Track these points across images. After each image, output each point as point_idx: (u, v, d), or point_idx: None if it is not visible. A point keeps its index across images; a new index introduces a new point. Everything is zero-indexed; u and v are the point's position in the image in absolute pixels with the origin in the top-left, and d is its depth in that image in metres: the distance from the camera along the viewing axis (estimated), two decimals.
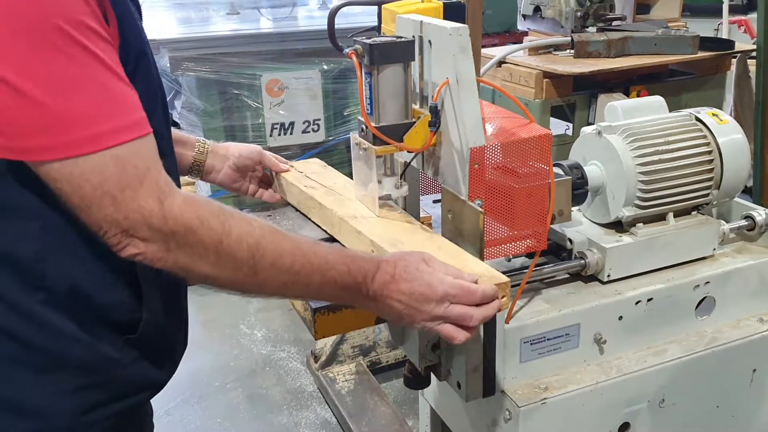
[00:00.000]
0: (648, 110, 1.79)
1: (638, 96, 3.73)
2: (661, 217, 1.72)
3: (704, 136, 1.73)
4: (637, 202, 1.65)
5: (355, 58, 1.36)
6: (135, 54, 1.06)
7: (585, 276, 1.67)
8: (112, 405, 1.14)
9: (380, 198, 1.47)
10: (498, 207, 1.43)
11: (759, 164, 3.91)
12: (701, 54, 3.78)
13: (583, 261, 1.64)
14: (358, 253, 1.26)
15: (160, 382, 1.24)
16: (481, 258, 1.35)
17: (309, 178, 1.71)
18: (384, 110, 1.40)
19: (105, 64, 0.96)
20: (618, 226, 1.71)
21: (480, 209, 1.35)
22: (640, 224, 1.69)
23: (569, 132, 3.85)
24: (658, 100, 1.83)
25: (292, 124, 4.09)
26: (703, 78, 3.96)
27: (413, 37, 1.42)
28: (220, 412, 3.08)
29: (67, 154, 0.94)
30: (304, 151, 4.10)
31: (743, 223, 1.82)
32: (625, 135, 1.66)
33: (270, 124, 4.05)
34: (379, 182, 1.47)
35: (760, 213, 1.81)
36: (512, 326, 1.52)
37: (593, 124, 3.75)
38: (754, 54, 3.95)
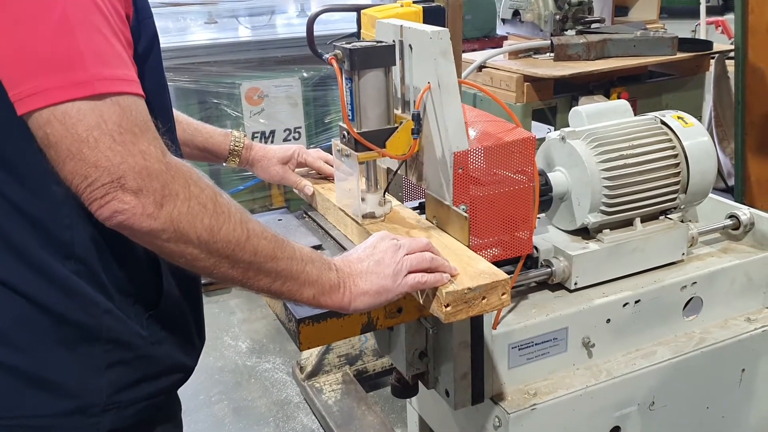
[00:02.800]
0: (613, 114, 1.77)
1: (619, 97, 3.73)
2: (628, 223, 1.68)
3: (669, 140, 1.70)
4: (603, 208, 1.62)
5: (335, 64, 1.34)
6: (149, 34, 1.06)
7: (552, 284, 1.63)
8: (144, 385, 1.12)
9: (363, 216, 1.45)
10: (483, 211, 1.41)
11: (740, 163, 3.94)
12: (680, 55, 3.80)
13: (549, 269, 1.60)
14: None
15: (187, 367, 1.23)
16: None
17: (326, 180, 1.70)
18: (366, 116, 1.38)
19: (109, 23, 0.94)
20: (584, 232, 1.68)
21: (465, 214, 1.33)
22: (607, 230, 1.65)
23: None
24: (623, 104, 1.82)
25: (272, 132, 4.06)
26: (683, 79, 3.98)
27: (394, 41, 1.40)
28: (206, 426, 3.03)
29: (65, 97, 0.89)
30: None
31: (728, 222, 1.82)
32: (590, 140, 1.64)
33: (251, 133, 4.02)
34: (363, 200, 1.44)
35: (744, 212, 1.81)
36: (500, 332, 1.50)
37: None
38: (732, 54, 4.00)
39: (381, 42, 1.38)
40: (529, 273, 1.60)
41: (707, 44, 4.00)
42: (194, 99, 3.96)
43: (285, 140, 4.08)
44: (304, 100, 4.07)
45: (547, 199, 1.63)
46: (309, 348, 1.27)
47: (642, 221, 1.68)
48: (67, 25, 0.90)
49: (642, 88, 3.85)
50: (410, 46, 1.38)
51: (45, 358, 1.05)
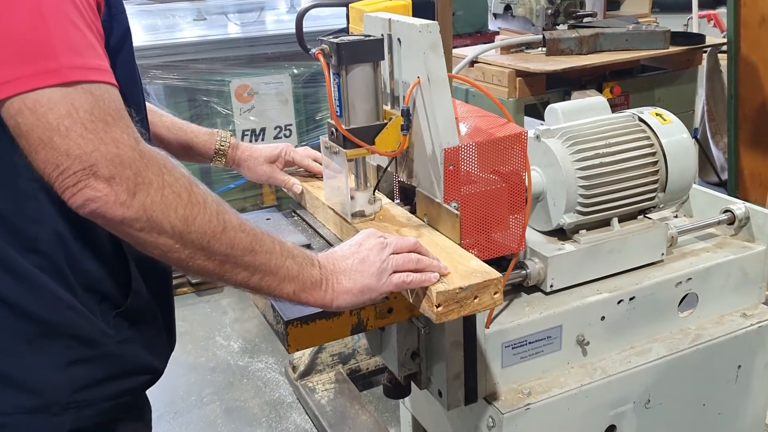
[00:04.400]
0: (589, 112, 1.72)
1: (612, 92, 3.72)
2: (605, 223, 1.64)
3: (647, 137, 1.66)
4: (579, 208, 1.57)
5: (322, 59, 1.31)
6: (121, 28, 1.04)
7: (527, 287, 1.59)
8: (108, 385, 1.10)
9: (353, 215, 1.42)
10: (474, 206, 1.38)
11: (733, 157, 3.93)
12: (672, 49, 3.78)
13: (523, 271, 1.56)
14: None
15: (156, 369, 1.20)
16: None
17: (317, 178, 1.66)
18: (354, 112, 1.35)
19: (82, 14, 0.93)
20: (561, 233, 1.63)
21: (456, 212, 1.30)
22: (583, 231, 1.60)
23: None
24: (600, 101, 1.77)
25: (263, 130, 4.03)
26: (675, 73, 3.96)
27: (382, 35, 1.37)
28: (198, 427, 3.00)
29: (35, 85, 0.88)
30: None
31: (723, 217, 1.79)
32: (565, 138, 1.59)
33: (241, 131, 3.98)
34: (352, 198, 1.41)
35: (739, 207, 1.79)
36: (493, 331, 1.48)
37: None
38: (724, 48, 3.98)
39: (369, 36, 1.35)
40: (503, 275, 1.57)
41: (700, 38, 3.98)
42: (183, 97, 3.92)
43: (275, 138, 4.05)
44: (294, 97, 4.03)
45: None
46: (297, 350, 1.25)
47: (620, 221, 1.64)
48: (40, 15, 0.89)
49: (634, 82, 3.82)
50: (399, 39, 1.35)
51: (5, 353, 1.03)
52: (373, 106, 1.36)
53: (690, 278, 1.67)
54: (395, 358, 1.51)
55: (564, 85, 3.68)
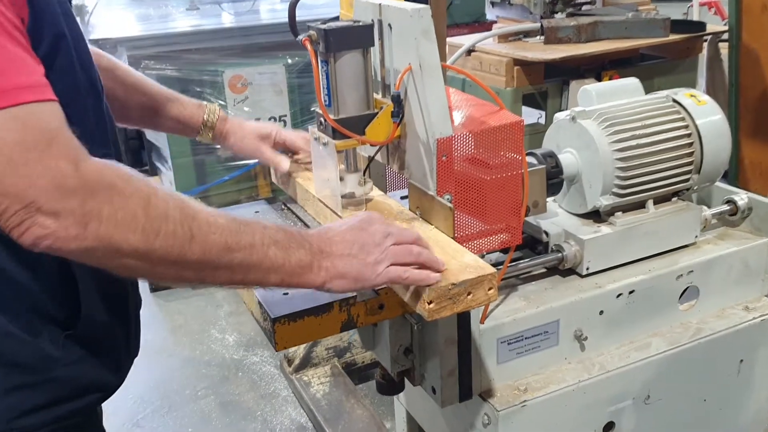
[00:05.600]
0: (623, 93, 1.71)
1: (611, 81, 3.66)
2: (640, 205, 1.64)
3: (682, 119, 1.65)
4: (615, 190, 1.57)
5: (309, 46, 1.26)
6: (51, 35, 0.96)
7: (563, 270, 1.58)
8: (53, 408, 1.05)
9: (343, 196, 1.37)
10: (469, 200, 1.34)
11: (734, 147, 3.88)
12: (672, 37, 3.73)
13: (560, 254, 1.56)
14: None
15: (109, 385, 1.14)
16: None
17: (307, 169, 1.59)
18: (343, 101, 1.30)
19: (3, 28, 0.85)
20: (596, 216, 1.63)
21: (450, 204, 1.26)
22: (619, 213, 1.61)
23: (542, 120, 3.78)
24: (634, 82, 1.76)
25: (257, 121, 3.96)
26: (675, 62, 3.91)
27: (372, 20, 1.32)
28: (192, 421, 2.97)
29: None
30: None
31: (725, 207, 1.75)
32: (601, 120, 1.58)
33: None
34: (341, 179, 1.37)
35: (741, 197, 1.74)
36: (488, 326, 1.44)
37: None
38: (725, 36, 3.93)
39: (358, 21, 1.30)
40: (539, 258, 1.55)
41: (700, 25, 3.93)
42: (176, 87, 3.83)
43: None
44: (288, 88, 3.98)
45: (557, 182, 1.58)
46: (285, 348, 1.21)
47: (654, 203, 1.63)
48: None
49: (634, 71, 3.75)
50: (390, 25, 1.30)
51: None
52: (363, 94, 1.31)
53: (691, 271, 1.62)
54: (388, 355, 1.46)
55: (562, 74, 3.63)
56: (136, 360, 1.25)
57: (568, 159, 1.60)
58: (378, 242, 1.10)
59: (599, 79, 3.69)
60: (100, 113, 1.12)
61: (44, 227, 0.84)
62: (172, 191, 0.96)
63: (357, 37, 1.27)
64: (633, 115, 1.62)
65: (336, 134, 1.30)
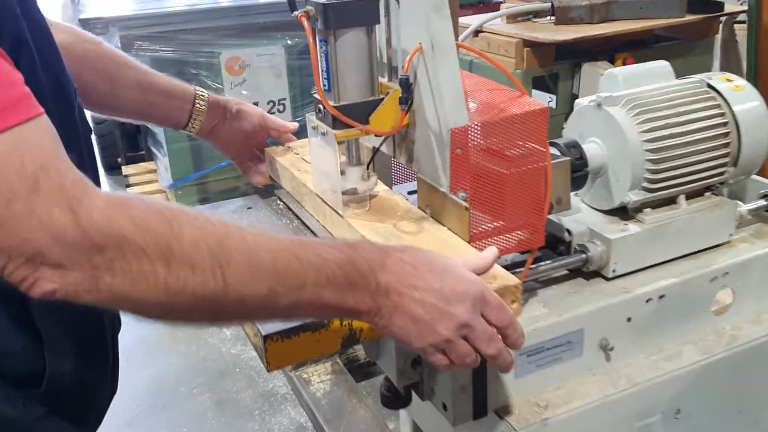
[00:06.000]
0: (652, 77, 1.56)
1: (624, 64, 3.50)
2: (670, 201, 1.49)
3: (718, 105, 1.50)
4: (645, 184, 1.43)
5: (306, 23, 1.10)
6: (9, 42, 0.81)
7: (587, 272, 1.44)
8: None
9: (344, 193, 1.23)
10: (485, 197, 1.19)
11: None
12: (689, 17, 3.56)
13: (584, 255, 1.41)
14: (358, 241, 1.02)
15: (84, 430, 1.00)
16: None
17: (304, 161, 1.47)
18: (344, 86, 1.16)
19: None
20: (622, 212, 1.49)
21: (465, 203, 1.11)
22: (648, 209, 1.46)
23: (552, 104, 3.62)
24: (663, 65, 1.60)
25: (255, 105, 3.80)
26: (691, 43, 3.76)
27: None
28: (187, 420, 2.85)
29: None
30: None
31: (762, 203, 1.60)
32: (630, 106, 1.43)
33: None
34: (342, 173, 1.22)
35: None
36: None
37: (578, 95, 3.55)
38: (741, 18, 3.76)
39: None
40: (562, 260, 1.40)
41: (718, 5, 3.76)
42: (171, 69, 3.70)
43: (269, 113, 3.82)
44: (288, 70, 3.82)
45: (582, 175, 1.43)
46: (278, 368, 1.06)
47: (686, 198, 1.49)
48: None
49: (647, 53, 3.61)
50: (397, 0, 1.15)
51: None
52: (366, 78, 1.17)
53: (727, 272, 1.48)
54: (394, 367, 1.32)
55: (574, 56, 3.48)
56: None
57: (592, 149, 1.45)
58: (473, 299, 0.91)
59: (612, 62, 3.54)
60: (71, 120, 0.97)
61: (52, 282, 0.72)
62: (202, 221, 0.80)
63: (360, 13, 1.12)
64: (665, 101, 1.46)
65: (336, 123, 1.15)
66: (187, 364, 3.16)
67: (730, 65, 4.46)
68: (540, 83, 3.51)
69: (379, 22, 1.15)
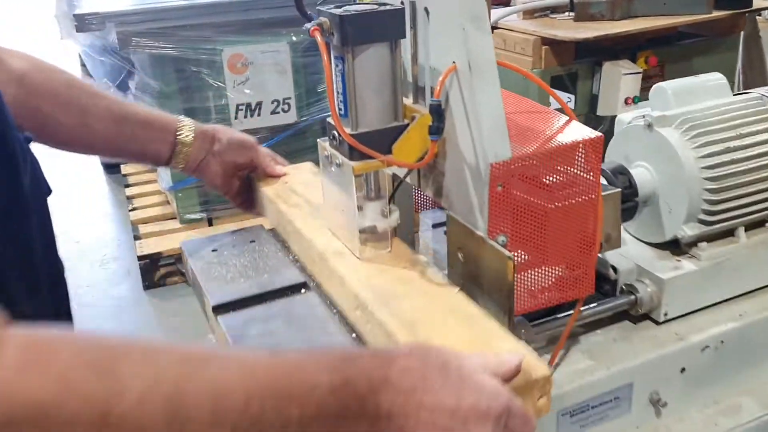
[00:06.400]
0: (706, 92, 1.38)
1: (647, 62, 3.32)
2: (727, 233, 1.32)
3: None
4: (702, 216, 1.26)
5: (319, 37, 0.93)
6: None
7: (634, 315, 1.27)
8: None
9: (362, 231, 1.06)
10: (524, 235, 1.02)
11: None
12: (716, 13, 3.37)
13: (633, 297, 1.24)
14: (355, 349, 0.83)
15: None
16: (510, 322, 0.95)
17: (294, 192, 1.28)
18: (364, 110, 0.98)
19: None
20: (673, 245, 1.32)
21: (508, 254, 0.94)
22: (703, 244, 1.29)
23: (571, 105, 3.44)
24: (718, 77, 1.42)
25: (259, 104, 3.64)
26: (716, 40, 3.57)
27: (402, 3, 0.99)
28: None
29: None
30: (274, 134, 3.66)
31: None
32: (685, 128, 1.26)
33: (235, 105, 3.60)
34: (360, 209, 1.05)
35: None
36: None
37: (597, 95, 3.37)
38: (764, 12, 3.57)
39: (385, 5, 0.97)
40: (607, 303, 1.24)
41: (746, 1, 3.56)
42: (171, 67, 3.53)
43: (273, 113, 3.66)
44: (293, 68, 3.63)
45: (631, 206, 1.26)
46: None
47: (745, 230, 1.33)
48: None
49: (671, 51, 3.43)
50: (426, 9, 0.98)
51: None
52: (389, 101, 0.99)
53: None
54: None
55: (594, 54, 3.29)
56: None
57: (641, 175, 1.28)
58: (496, 418, 0.72)
59: (634, 60, 3.35)
60: (16, 194, 0.81)
61: None
62: (153, 362, 0.62)
63: (383, 26, 0.95)
64: (724, 121, 1.29)
65: (354, 153, 0.98)
66: None
67: (752, 62, 4.27)
68: (558, 83, 3.33)
69: (404, 37, 0.97)
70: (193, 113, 3.59)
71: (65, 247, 4.16)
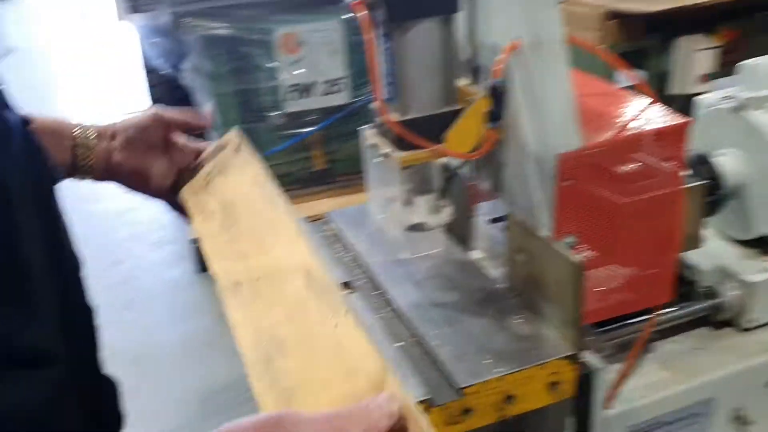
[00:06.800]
0: None
1: (725, 37, 3.10)
2: None
3: None
4: None
5: (362, 12, 0.83)
6: None
7: (714, 321, 1.14)
8: None
9: (409, 228, 0.95)
10: (593, 234, 0.90)
11: None
12: None
13: (714, 301, 1.11)
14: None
15: None
16: (578, 325, 0.83)
17: (212, 194, 0.95)
18: (413, 94, 0.88)
19: None
20: (762, 243, 1.17)
21: (577, 258, 0.82)
22: None
23: None
24: None
25: (312, 84, 3.55)
26: None
27: None
28: None
29: None
30: (327, 116, 3.58)
31: None
32: None
33: (287, 86, 3.52)
34: (408, 204, 0.95)
35: None
36: (616, 412, 1.01)
37: (670, 74, 3.17)
38: None
39: None
40: (686, 308, 1.11)
41: None
42: (222, 48, 3.48)
43: (326, 94, 3.58)
44: (346, 47, 3.53)
45: (715, 199, 1.12)
46: None
47: None
48: None
49: (753, 25, 3.19)
50: None
51: None
52: (441, 83, 0.89)
53: None
54: None
55: (666, 28, 3.09)
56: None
57: (728, 165, 1.14)
58: None
59: (711, 34, 3.14)
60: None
61: None
62: None
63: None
64: None
65: (401, 143, 0.88)
66: (237, 365, 2.97)
67: None
68: (625, 60, 3.14)
69: (458, 10, 0.86)
70: (245, 95, 3.54)
71: (123, 230, 4.19)
